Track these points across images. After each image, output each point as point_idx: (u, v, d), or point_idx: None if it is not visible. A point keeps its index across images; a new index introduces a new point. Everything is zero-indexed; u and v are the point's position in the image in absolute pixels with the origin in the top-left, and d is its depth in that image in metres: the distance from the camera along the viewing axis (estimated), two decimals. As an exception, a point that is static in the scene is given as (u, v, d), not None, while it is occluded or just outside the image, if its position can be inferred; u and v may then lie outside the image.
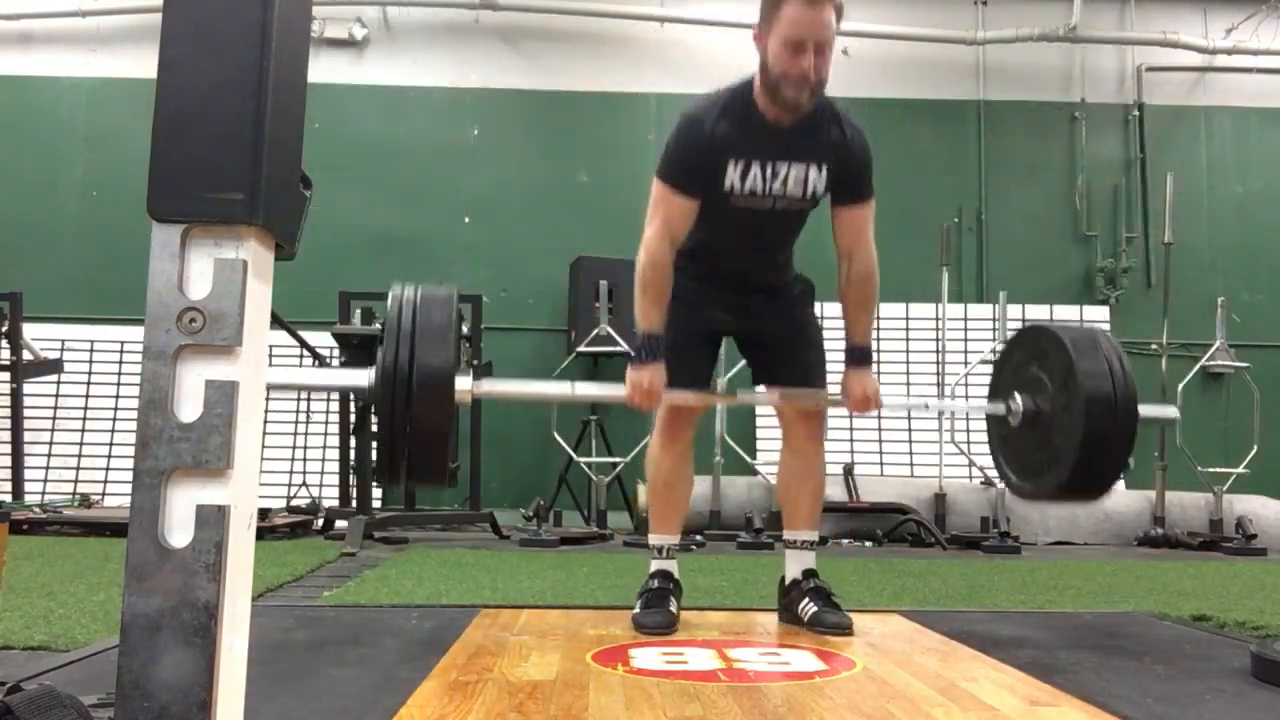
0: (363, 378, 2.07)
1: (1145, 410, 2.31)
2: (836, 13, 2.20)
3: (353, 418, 5.40)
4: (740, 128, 2.30)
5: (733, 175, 2.30)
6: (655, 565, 2.53)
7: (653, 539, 2.57)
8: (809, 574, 2.51)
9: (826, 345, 2.57)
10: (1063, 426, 2.29)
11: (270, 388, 1.44)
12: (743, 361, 2.67)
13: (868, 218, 2.42)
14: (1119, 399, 2.21)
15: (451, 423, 2.09)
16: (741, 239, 2.43)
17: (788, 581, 2.54)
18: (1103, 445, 2.22)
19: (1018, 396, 2.42)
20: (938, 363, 6.27)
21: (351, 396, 5.37)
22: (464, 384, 2.12)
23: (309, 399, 6.12)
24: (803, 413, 2.52)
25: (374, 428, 4.34)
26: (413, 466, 2.04)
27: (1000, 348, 2.91)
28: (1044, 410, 2.36)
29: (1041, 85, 7.27)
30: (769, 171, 2.31)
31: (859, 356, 2.45)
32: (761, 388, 2.59)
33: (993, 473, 5.77)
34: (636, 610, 2.43)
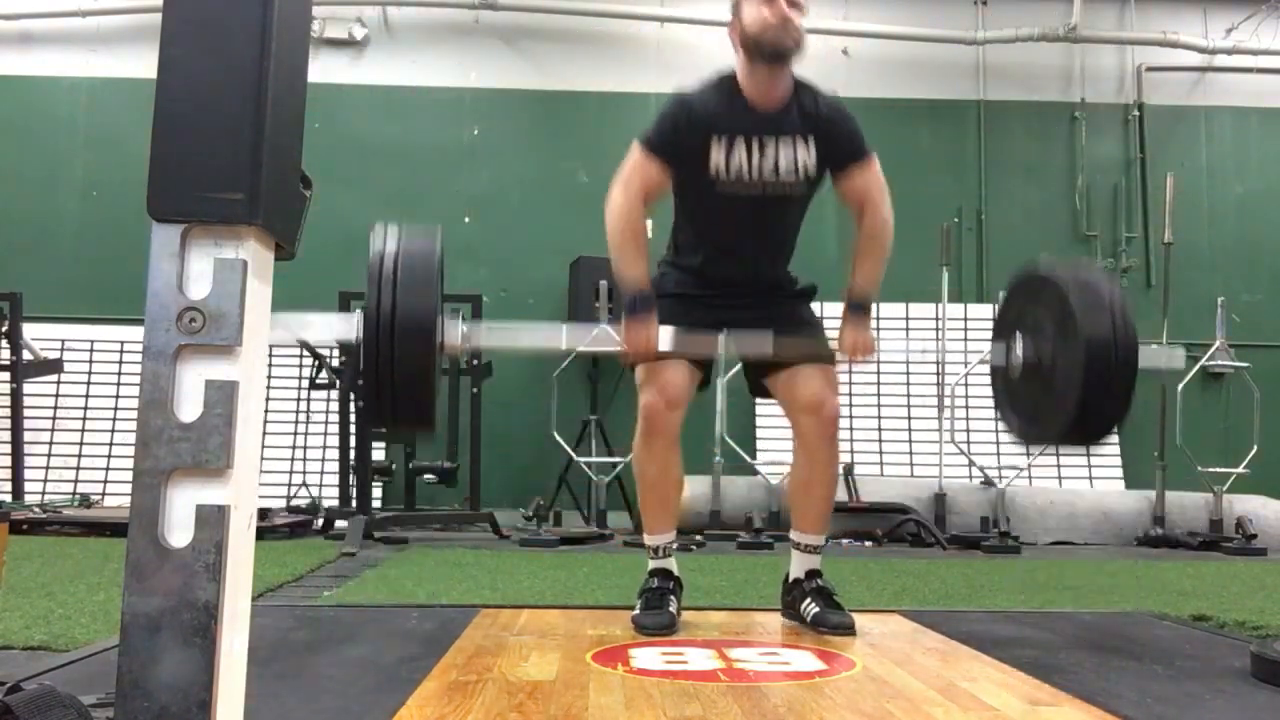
0: (352, 321, 2.09)
1: (1148, 357, 2.31)
2: None
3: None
4: (725, 106, 2.34)
5: (717, 155, 2.32)
6: (653, 564, 2.51)
7: (648, 539, 2.52)
8: (812, 574, 2.50)
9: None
10: (1064, 371, 2.26)
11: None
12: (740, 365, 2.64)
13: (870, 179, 2.42)
14: (1119, 342, 2.19)
15: (432, 360, 2.08)
16: (738, 235, 2.41)
17: (791, 580, 2.54)
18: (1104, 390, 2.20)
19: (1019, 342, 2.38)
20: (938, 362, 6.27)
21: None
22: (451, 328, 2.14)
23: (309, 399, 6.11)
24: (816, 408, 2.40)
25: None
26: (397, 408, 2.04)
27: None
28: (1045, 355, 2.33)
29: (1041, 85, 7.26)
30: (755, 148, 2.32)
31: (857, 308, 2.44)
32: (763, 342, 2.41)
33: (993, 472, 5.79)
34: (636, 610, 2.42)
